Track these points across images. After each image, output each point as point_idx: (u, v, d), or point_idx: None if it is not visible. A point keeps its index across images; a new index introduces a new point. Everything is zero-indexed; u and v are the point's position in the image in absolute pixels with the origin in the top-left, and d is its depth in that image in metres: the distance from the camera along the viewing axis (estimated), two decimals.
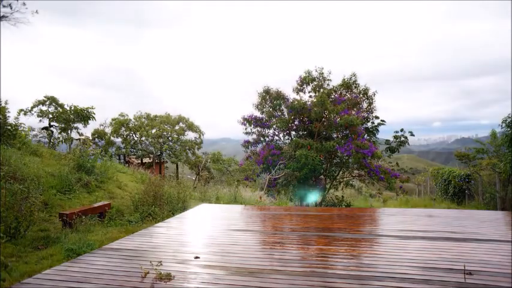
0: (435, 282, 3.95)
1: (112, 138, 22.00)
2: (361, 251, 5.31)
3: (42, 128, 17.82)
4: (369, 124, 19.65)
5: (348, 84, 19.33)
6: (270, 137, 19.60)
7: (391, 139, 19.43)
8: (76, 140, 18.34)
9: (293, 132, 19.17)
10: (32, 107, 17.99)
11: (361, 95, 18.93)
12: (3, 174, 7.42)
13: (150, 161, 22.75)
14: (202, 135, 24.54)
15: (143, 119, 23.25)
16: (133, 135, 22.44)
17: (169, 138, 22.93)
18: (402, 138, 19.07)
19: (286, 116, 18.47)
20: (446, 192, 18.52)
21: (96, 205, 8.28)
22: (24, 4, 4.92)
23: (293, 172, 15.63)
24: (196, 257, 4.95)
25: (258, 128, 19.29)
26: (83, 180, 9.82)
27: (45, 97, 18.10)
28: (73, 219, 7.01)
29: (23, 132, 12.08)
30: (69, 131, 18.24)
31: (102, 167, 11.26)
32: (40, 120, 17.94)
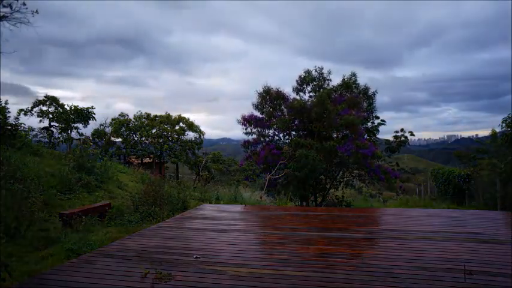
0: (435, 282, 3.95)
1: (112, 138, 22.01)
2: (361, 251, 5.31)
3: (42, 128, 17.83)
4: (369, 124, 19.64)
5: (348, 84, 19.31)
6: (270, 137, 19.57)
7: (391, 139, 19.41)
8: (76, 140, 18.36)
9: (293, 132, 19.14)
10: (32, 107, 18.00)
11: (361, 95, 18.91)
12: (3, 174, 7.41)
13: (150, 161, 22.75)
14: (202, 135, 24.55)
15: (143, 119, 23.26)
16: (134, 135, 22.44)
17: (170, 138, 22.94)
18: (402, 138, 19.05)
19: (286, 116, 18.44)
20: (446, 192, 18.50)
21: (96, 205, 8.27)
22: (24, 4, 4.91)
23: (293, 172, 15.61)
24: (197, 257, 4.96)
25: (258, 128, 19.25)
26: (83, 180, 9.82)
27: (45, 97, 18.11)
28: (73, 219, 7.00)
29: (23, 132, 12.09)
30: (69, 131, 18.24)
31: (102, 167, 11.26)
32: (40, 120, 17.96)
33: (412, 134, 19.28)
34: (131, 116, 22.98)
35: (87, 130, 19.87)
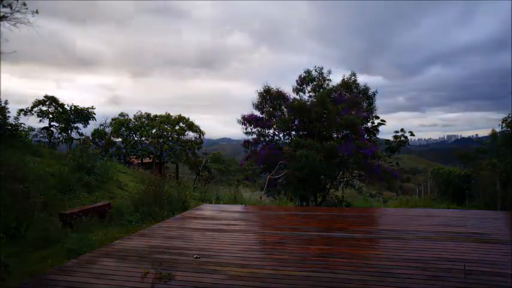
0: (435, 282, 3.95)
1: (112, 138, 22.00)
2: (361, 251, 5.31)
3: (43, 128, 17.82)
4: (369, 124, 19.62)
5: (348, 84, 19.30)
6: (270, 137, 19.56)
7: (391, 139, 19.39)
8: (76, 140, 18.35)
9: (293, 132, 19.12)
10: (32, 107, 17.98)
11: (360, 95, 18.89)
12: (3, 174, 7.41)
13: (150, 161, 22.75)
14: (203, 135, 24.54)
15: (143, 119, 23.25)
16: (134, 136, 22.43)
17: (170, 138, 22.93)
18: (402, 138, 19.02)
19: (286, 115, 18.43)
20: (446, 192, 18.49)
21: (96, 205, 8.28)
22: (24, 4, 4.89)
23: (293, 172, 15.60)
24: (197, 257, 4.95)
25: (258, 128, 19.23)
26: (83, 180, 9.82)
27: (45, 97, 18.10)
28: (73, 219, 7.00)
29: (23, 132, 12.09)
30: (69, 131, 18.24)
31: (102, 167, 11.26)
32: (40, 120, 17.95)
33: (412, 134, 19.25)
34: (131, 116, 23.00)
35: (87, 130, 19.88)
